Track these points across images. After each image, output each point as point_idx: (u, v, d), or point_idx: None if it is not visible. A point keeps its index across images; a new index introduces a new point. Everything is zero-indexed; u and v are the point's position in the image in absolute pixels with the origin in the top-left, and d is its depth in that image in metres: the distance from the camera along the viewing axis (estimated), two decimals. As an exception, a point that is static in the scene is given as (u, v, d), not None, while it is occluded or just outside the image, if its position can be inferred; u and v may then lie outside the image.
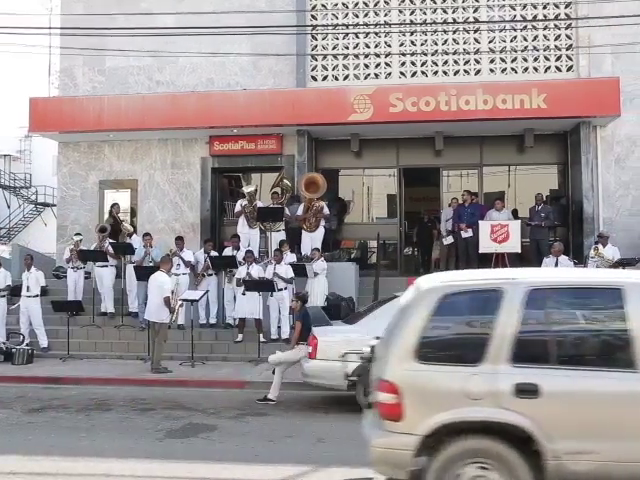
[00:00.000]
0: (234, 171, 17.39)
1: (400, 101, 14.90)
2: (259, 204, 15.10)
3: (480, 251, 14.49)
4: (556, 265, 13.28)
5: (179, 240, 14.45)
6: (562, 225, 15.99)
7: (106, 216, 16.44)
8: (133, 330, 13.87)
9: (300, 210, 15.07)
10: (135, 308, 14.32)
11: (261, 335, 12.93)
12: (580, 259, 14.28)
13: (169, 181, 16.82)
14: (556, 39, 16.01)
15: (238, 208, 15.26)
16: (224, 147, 16.47)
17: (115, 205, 16.12)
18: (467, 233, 15.02)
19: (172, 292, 12.19)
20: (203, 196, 16.68)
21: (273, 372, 9.89)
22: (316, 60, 16.60)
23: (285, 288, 13.38)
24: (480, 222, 14.63)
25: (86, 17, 15.91)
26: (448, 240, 15.51)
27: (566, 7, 16.01)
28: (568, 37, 15.97)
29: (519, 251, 14.43)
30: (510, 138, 16.11)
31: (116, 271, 14.70)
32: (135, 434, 7.95)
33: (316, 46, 16.63)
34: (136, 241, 14.83)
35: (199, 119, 15.65)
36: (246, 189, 15.35)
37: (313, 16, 16.64)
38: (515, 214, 15.84)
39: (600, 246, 13.65)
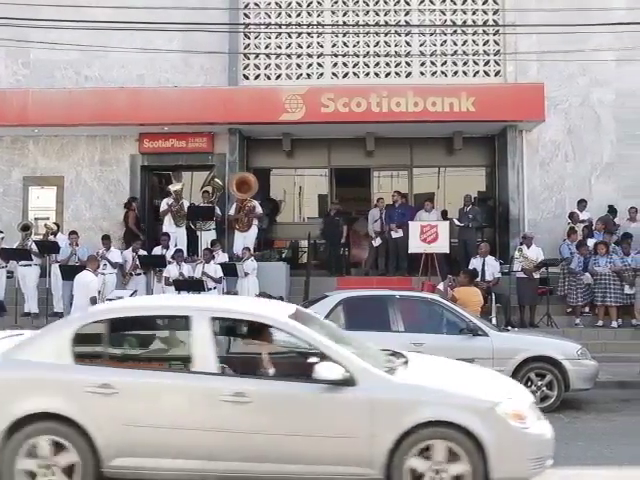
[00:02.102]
0: (164, 169, 17.11)
1: (332, 101, 14.97)
2: (186, 203, 14.97)
3: (410, 251, 14.73)
4: (483, 265, 13.59)
5: (106, 239, 14.16)
6: (489, 226, 16.36)
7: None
8: (58, 331, 13.47)
9: (232, 210, 15.01)
10: (60, 308, 13.93)
11: (190, 335, 12.77)
12: (506, 259, 14.64)
13: (97, 179, 16.43)
14: (484, 44, 16.37)
15: (164, 207, 15.05)
16: (154, 145, 16.19)
17: (135, 199, 15.68)
18: (397, 233, 15.23)
19: (99, 292, 11.95)
20: (132, 194, 16.37)
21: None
22: (248, 59, 16.51)
23: (214, 287, 13.31)
24: (410, 222, 14.85)
25: (9, 6, 15.28)
26: (377, 242, 15.70)
27: (494, 14, 16.38)
28: (496, 43, 16.35)
29: (447, 251, 14.74)
30: (440, 140, 16.39)
31: (40, 270, 14.30)
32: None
33: (248, 45, 16.54)
34: (62, 239, 14.47)
35: (129, 116, 15.34)
36: (172, 187, 15.18)
37: (246, 14, 16.54)
38: (444, 215, 16.13)
39: (524, 247, 14.03)
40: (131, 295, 13.01)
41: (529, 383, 8.96)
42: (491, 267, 13.72)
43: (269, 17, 16.62)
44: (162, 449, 5.27)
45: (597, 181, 16.07)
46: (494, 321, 11.77)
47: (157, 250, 14.35)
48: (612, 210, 15.44)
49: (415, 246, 14.53)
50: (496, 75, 16.27)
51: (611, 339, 13.21)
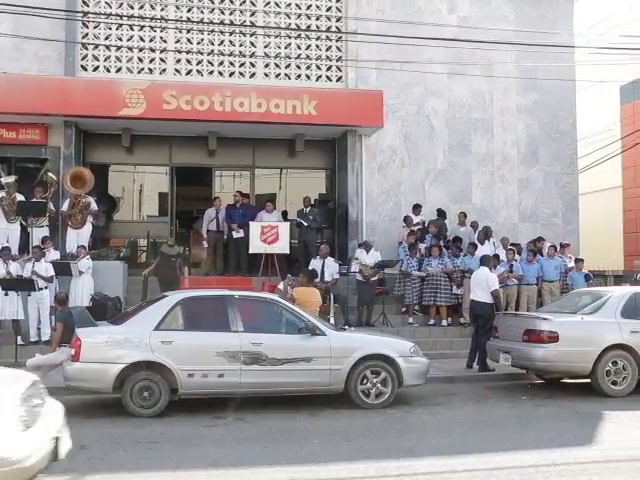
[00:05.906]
0: (-8, 161, 16.06)
1: (174, 98, 14.69)
2: (19, 197, 14.14)
3: (250, 251, 14.79)
4: (323, 266, 13.87)
5: None
6: (329, 227, 16.76)
7: None
8: None
9: (65, 206, 14.38)
10: None
11: (19, 337, 12.09)
12: (345, 261, 15.03)
13: None
14: (327, 50, 16.72)
15: (-6, 201, 14.16)
16: (-20, 134, 15.15)
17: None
18: (238, 233, 15.24)
19: None
20: (-46, 186, 15.22)
21: (31, 377, 9.29)
22: (87, 49, 15.83)
23: (46, 287, 12.68)
24: (251, 223, 14.90)
25: None
26: (205, 243, 15.83)
27: (337, 21, 16.79)
28: (338, 49, 16.75)
29: (288, 252, 14.94)
30: (282, 142, 16.57)
31: None
32: None
33: (87, 34, 15.87)
34: None
35: (-51, 101, 14.25)
36: (4, 180, 14.26)
37: (84, 2, 15.85)
38: (285, 216, 16.31)
39: (363, 252, 14.46)
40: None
41: (365, 380, 9.24)
42: (330, 268, 14.03)
43: (110, 7, 16.02)
44: None
45: (430, 186, 16.90)
46: (332, 320, 12.03)
47: (-17, 248, 13.43)
48: (441, 213, 16.28)
49: (256, 246, 14.60)
50: (338, 81, 16.67)
51: (441, 337, 14.00)
